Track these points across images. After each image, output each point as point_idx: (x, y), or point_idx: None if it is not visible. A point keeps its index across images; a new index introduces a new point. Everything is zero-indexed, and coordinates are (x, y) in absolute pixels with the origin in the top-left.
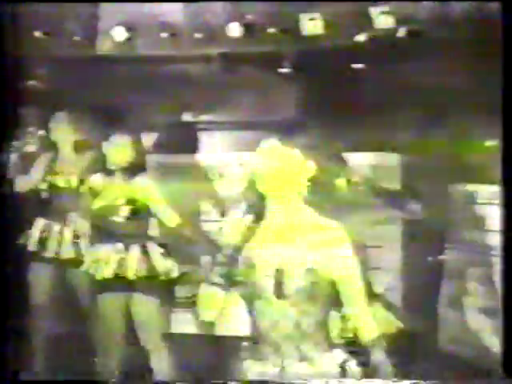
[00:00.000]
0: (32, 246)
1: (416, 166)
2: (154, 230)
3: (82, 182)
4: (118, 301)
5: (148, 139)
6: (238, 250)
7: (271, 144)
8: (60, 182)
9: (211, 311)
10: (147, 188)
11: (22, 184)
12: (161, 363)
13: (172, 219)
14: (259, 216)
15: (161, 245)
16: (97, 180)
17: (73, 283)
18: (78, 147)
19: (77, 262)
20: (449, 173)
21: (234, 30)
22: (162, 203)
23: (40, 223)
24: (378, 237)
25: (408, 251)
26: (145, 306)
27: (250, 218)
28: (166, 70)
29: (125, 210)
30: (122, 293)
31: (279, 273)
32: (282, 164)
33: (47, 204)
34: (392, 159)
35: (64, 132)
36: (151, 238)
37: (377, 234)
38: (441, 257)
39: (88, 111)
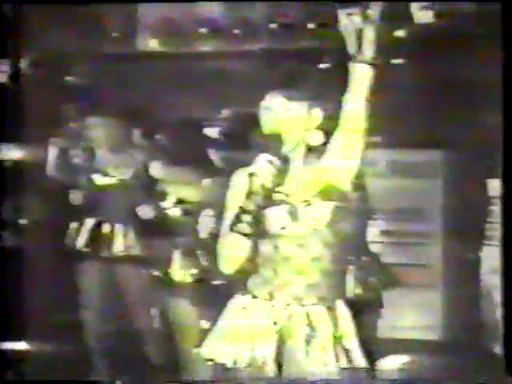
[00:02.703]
0: (81, 245)
1: (457, 161)
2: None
3: (121, 180)
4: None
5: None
6: (267, 195)
7: (274, 98)
8: (100, 181)
9: (232, 262)
10: None
11: (77, 196)
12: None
13: None
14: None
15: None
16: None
17: (123, 281)
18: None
19: (127, 259)
20: (489, 168)
21: (274, 25)
22: None
23: (89, 222)
24: (418, 234)
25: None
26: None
27: (278, 163)
28: (206, 66)
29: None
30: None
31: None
32: (285, 115)
33: (93, 203)
34: (434, 155)
35: (102, 132)
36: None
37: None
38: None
39: (125, 110)
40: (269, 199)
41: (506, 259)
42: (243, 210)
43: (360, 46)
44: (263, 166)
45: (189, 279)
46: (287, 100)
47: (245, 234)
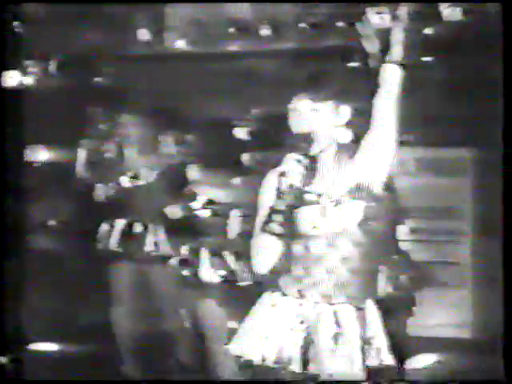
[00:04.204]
0: (113, 245)
1: (487, 159)
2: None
3: (149, 181)
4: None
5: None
6: (297, 194)
7: (299, 99)
8: (126, 182)
9: (265, 262)
10: None
11: (99, 193)
12: (225, 359)
13: None
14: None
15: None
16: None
17: (153, 281)
18: (143, 148)
19: (158, 259)
20: None
21: (302, 25)
22: None
23: (120, 223)
24: (448, 232)
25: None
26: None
27: (307, 160)
28: (234, 66)
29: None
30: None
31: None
32: (311, 115)
33: (123, 203)
34: (463, 153)
35: (129, 133)
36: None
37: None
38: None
39: (154, 110)
40: (300, 199)
41: (507, 258)
42: (274, 210)
43: (387, 45)
44: (292, 166)
45: (217, 279)
46: (312, 100)
47: (276, 234)
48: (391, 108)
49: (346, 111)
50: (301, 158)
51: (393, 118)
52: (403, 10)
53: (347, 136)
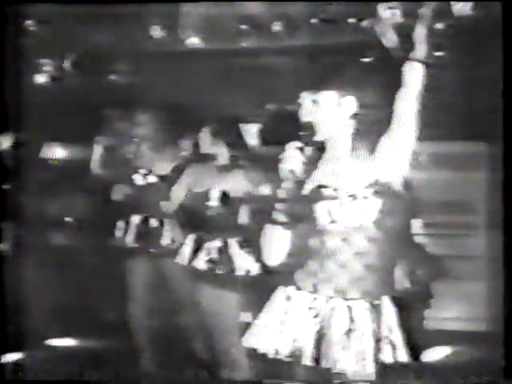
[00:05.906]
0: (129, 241)
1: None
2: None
3: (161, 177)
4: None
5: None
6: (299, 182)
7: (303, 93)
8: (139, 179)
9: (273, 253)
10: None
11: (118, 193)
12: (238, 356)
13: None
14: (320, 149)
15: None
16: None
17: (170, 276)
18: (159, 145)
19: (174, 253)
20: None
21: (314, 20)
22: None
23: (134, 219)
24: (462, 226)
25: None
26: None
27: (310, 149)
28: (247, 63)
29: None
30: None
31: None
32: (313, 107)
33: (138, 199)
34: (478, 148)
35: (145, 130)
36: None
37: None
38: None
39: (169, 107)
40: (317, 194)
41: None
42: (277, 199)
43: (406, 39)
44: (291, 153)
45: (232, 273)
46: (314, 92)
47: (280, 223)
48: (413, 105)
49: (350, 103)
50: (301, 145)
51: (414, 116)
52: (427, 9)
53: (351, 128)
